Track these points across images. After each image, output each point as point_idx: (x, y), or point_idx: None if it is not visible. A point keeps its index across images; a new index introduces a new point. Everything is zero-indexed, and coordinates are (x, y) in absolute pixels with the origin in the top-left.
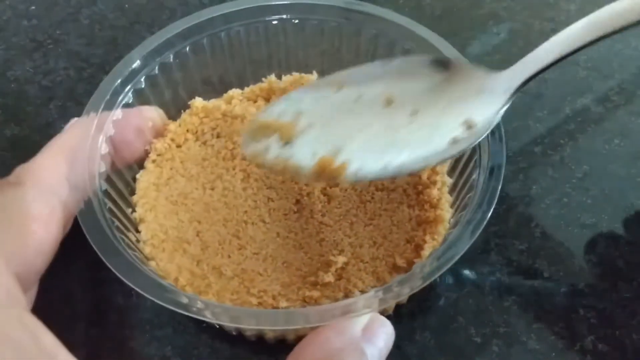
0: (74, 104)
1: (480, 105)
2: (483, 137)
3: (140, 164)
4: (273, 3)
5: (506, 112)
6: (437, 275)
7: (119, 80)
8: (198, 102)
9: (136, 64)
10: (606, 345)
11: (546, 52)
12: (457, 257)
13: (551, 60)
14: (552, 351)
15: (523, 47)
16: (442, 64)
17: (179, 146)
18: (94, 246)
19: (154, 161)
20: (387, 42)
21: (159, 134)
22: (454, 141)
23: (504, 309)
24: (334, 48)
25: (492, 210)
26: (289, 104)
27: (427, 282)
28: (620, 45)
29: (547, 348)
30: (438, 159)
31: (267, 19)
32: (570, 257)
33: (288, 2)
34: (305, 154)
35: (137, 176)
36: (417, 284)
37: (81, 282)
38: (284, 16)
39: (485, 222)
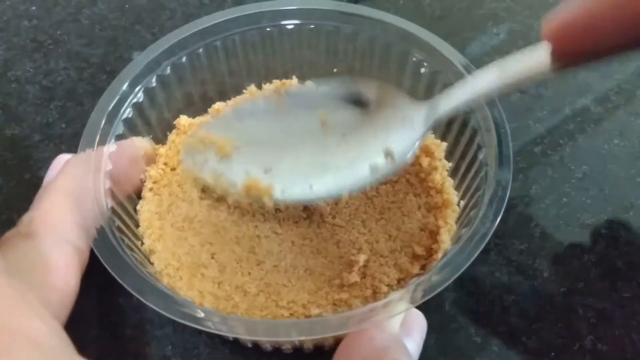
0: (75, 104)
1: (401, 134)
2: (399, 168)
3: (138, 194)
4: (241, 14)
5: (506, 112)
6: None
7: (108, 109)
8: (183, 119)
9: (121, 92)
10: (606, 345)
11: (460, 92)
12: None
13: (463, 102)
14: (552, 351)
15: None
16: (374, 90)
17: (173, 169)
18: (126, 286)
19: (151, 189)
20: (383, 45)
21: (152, 160)
22: (374, 169)
23: (504, 309)
24: (322, 53)
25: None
26: (231, 120)
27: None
28: None
29: (547, 348)
30: (358, 185)
31: (241, 30)
32: (569, 257)
33: (253, 12)
34: (238, 172)
35: (138, 207)
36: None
37: (81, 282)
38: (258, 26)
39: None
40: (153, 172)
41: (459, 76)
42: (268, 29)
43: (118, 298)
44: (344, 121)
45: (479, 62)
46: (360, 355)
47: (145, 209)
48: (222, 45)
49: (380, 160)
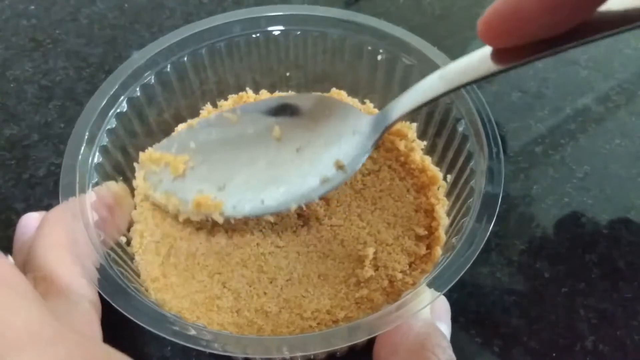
0: (73, 103)
1: (351, 147)
2: (349, 177)
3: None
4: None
5: (507, 111)
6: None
7: (82, 147)
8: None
9: (89, 129)
10: (607, 346)
11: (408, 100)
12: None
13: (410, 109)
14: (553, 351)
15: None
16: (326, 105)
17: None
18: (157, 331)
19: (141, 236)
20: (372, 51)
21: (130, 203)
22: (324, 180)
23: (505, 309)
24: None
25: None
26: (185, 140)
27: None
28: (621, 45)
29: (548, 348)
30: (308, 197)
31: (191, 49)
32: (571, 258)
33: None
34: (190, 191)
35: (137, 259)
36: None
37: None
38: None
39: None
40: (140, 226)
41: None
42: (257, 35)
43: None
44: (298, 135)
45: None
46: (405, 344)
47: (145, 262)
48: (173, 69)
49: (331, 172)
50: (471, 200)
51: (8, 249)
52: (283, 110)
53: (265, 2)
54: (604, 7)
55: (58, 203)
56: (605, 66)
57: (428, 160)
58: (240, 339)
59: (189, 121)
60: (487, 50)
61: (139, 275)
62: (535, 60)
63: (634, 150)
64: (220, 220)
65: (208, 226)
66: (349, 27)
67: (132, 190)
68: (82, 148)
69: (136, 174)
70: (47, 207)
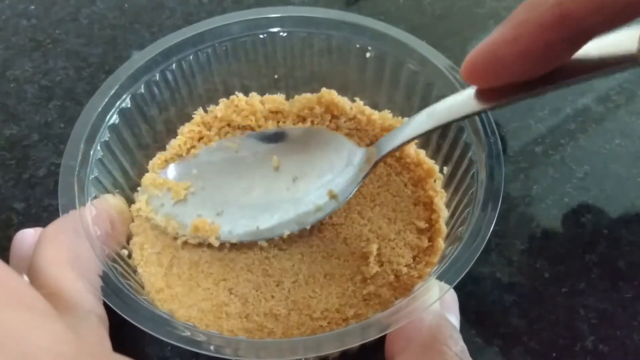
0: (74, 103)
1: (344, 177)
2: (341, 205)
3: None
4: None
5: (507, 111)
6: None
7: (77, 161)
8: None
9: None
10: (607, 346)
11: (399, 136)
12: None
13: (400, 144)
14: (553, 351)
15: None
16: (322, 137)
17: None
18: (160, 336)
19: (142, 248)
20: (378, 55)
21: (128, 216)
22: (317, 209)
23: (505, 309)
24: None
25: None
26: (189, 166)
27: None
28: None
29: (548, 348)
30: (303, 224)
31: (181, 55)
32: (571, 258)
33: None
34: (190, 215)
35: (140, 271)
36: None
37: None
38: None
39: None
40: (139, 238)
41: (452, 88)
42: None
43: None
44: (294, 165)
45: None
46: (417, 338)
47: (147, 273)
48: (162, 78)
49: (324, 201)
50: (473, 190)
51: (7, 249)
52: (281, 138)
53: (265, 2)
54: (581, 52)
55: (58, 203)
56: None
57: (422, 153)
58: (253, 343)
59: (192, 151)
60: (471, 90)
61: (143, 288)
62: (517, 101)
63: (634, 150)
64: (216, 244)
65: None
66: (336, 27)
67: (128, 202)
68: (79, 161)
69: (139, 197)
70: (47, 207)
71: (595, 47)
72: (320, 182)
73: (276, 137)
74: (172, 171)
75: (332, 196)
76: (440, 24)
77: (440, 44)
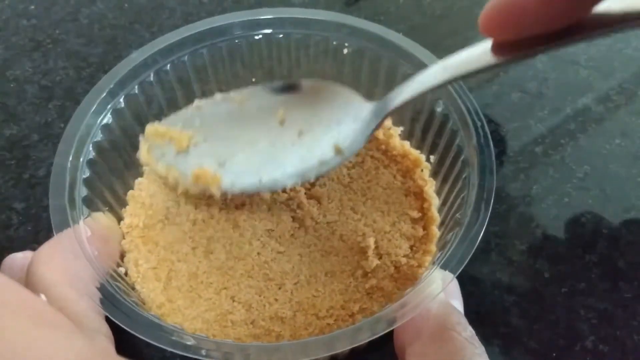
0: (73, 103)
1: (351, 132)
2: (346, 159)
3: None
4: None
5: (507, 111)
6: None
7: (67, 179)
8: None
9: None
10: (607, 346)
11: (408, 88)
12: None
13: (410, 97)
14: (553, 351)
15: None
16: (330, 90)
17: (146, 227)
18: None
19: (136, 264)
20: (372, 57)
21: (118, 233)
22: (322, 163)
23: (504, 309)
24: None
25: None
26: (192, 116)
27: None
28: (621, 45)
29: (548, 348)
30: (307, 177)
31: (192, 49)
32: (571, 258)
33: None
34: (191, 165)
35: (138, 288)
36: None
37: None
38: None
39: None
40: (132, 255)
41: (447, 91)
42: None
43: None
44: (300, 118)
45: None
46: (426, 327)
47: (146, 289)
48: (157, 79)
49: (329, 156)
50: (465, 175)
51: (7, 249)
52: (289, 89)
53: (266, 2)
54: (602, 7)
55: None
56: (605, 66)
57: (407, 144)
58: (265, 347)
59: (197, 102)
60: (487, 43)
61: (144, 304)
62: (534, 55)
63: (634, 150)
64: (218, 194)
65: (204, 243)
66: (333, 28)
67: (118, 220)
68: (67, 183)
69: (140, 146)
70: (47, 207)
71: (617, 2)
72: (326, 136)
73: (287, 88)
74: (173, 121)
75: (338, 151)
76: (440, 24)
77: (440, 44)
